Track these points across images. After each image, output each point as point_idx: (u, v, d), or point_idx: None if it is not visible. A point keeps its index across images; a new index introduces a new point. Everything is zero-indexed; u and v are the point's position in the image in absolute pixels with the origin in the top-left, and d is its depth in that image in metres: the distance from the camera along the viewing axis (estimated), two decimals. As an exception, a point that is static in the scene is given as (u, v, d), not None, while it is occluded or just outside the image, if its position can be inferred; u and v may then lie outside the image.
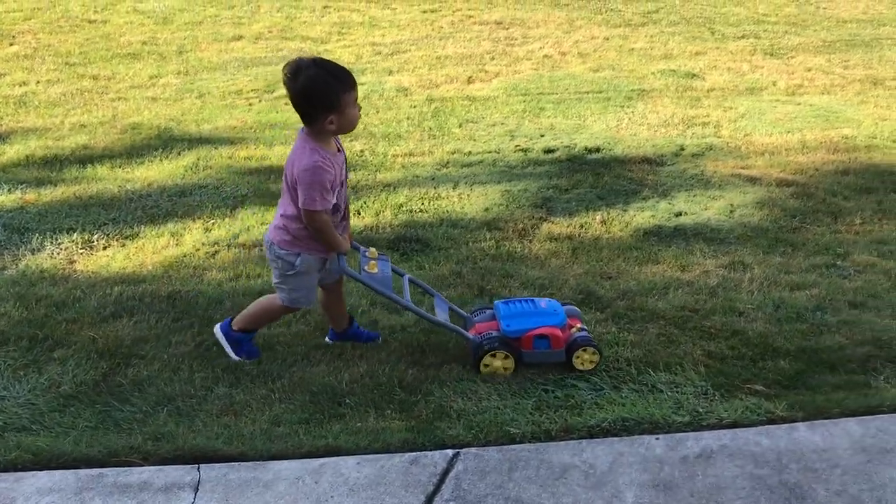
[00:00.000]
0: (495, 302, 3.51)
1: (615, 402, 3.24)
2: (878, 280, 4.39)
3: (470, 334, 3.38)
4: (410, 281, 3.55)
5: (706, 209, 5.30)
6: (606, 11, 11.17)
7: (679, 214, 5.20)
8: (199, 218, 4.93)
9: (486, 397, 3.24)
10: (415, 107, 7.15)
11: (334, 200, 3.05)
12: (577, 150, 6.24)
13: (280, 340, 3.60)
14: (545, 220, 5.04)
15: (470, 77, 8.11)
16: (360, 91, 7.22)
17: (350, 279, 3.33)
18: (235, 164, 5.79)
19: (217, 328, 3.40)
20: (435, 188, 5.43)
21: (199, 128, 6.55)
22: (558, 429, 3.03)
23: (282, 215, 3.08)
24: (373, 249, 3.36)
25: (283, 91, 6.91)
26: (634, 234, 4.91)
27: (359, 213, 5.04)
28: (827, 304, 4.12)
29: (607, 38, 9.73)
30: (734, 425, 3.09)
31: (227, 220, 4.92)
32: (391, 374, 3.36)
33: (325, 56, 9.19)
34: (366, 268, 3.22)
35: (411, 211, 5.10)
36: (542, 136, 6.53)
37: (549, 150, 6.22)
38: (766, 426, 3.06)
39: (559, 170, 5.84)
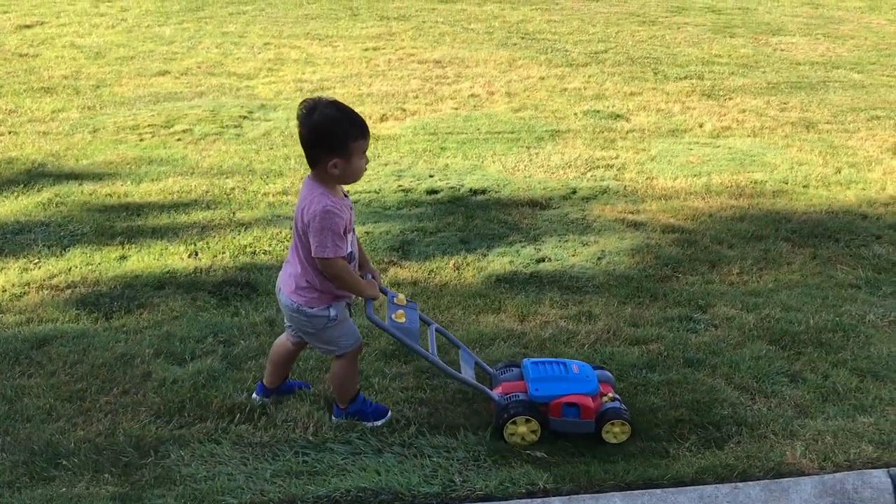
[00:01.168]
0: (524, 361, 3.33)
1: (367, 468, 2.97)
2: (729, 335, 4.12)
3: (496, 395, 3.19)
4: (437, 331, 3.37)
5: (574, 255, 5.06)
6: (552, 51, 11.04)
7: (541, 261, 4.96)
8: (23, 257, 4.73)
9: (225, 461, 2.98)
10: (312, 144, 6.97)
11: (349, 248, 2.94)
12: (461, 191, 6.03)
13: (31, 392, 3.36)
14: (395, 265, 4.81)
15: (384, 115, 7.95)
16: (264, 128, 7.08)
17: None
18: (93, 201, 5.61)
19: (334, 418, 3.26)
20: (290, 228, 5.21)
21: (76, 163, 6.39)
22: (281, 499, 2.75)
23: (298, 273, 2.96)
24: (401, 296, 3.17)
25: (179, 126, 6.77)
26: (486, 281, 4.67)
27: (196, 255, 4.82)
28: (660, 361, 3.85)
29: (542, 78, 9.58)
30: (486, 498, 2.81)
31: (52, 259, 4.72)
32: (132, 431, 3.11)
33: (243, 91, 9.21)
34: (392, 316, 3.04)
35: (254, 253, 4.89)
36: (431, 176, 6.32)
37: (432, 191, 6.01)
38: (518, 500, 2.78)
39: (434, 212, 5.63)
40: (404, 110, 8.15)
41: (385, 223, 5.37)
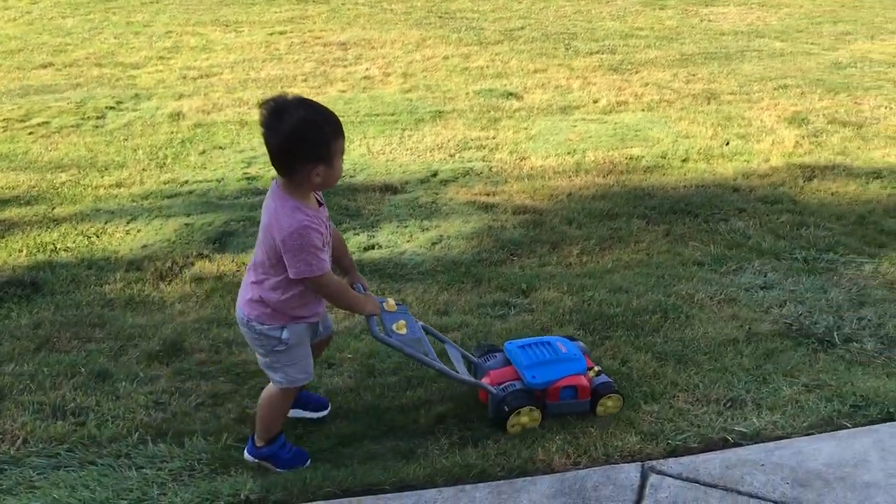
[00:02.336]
0: (506, 345, 3.22)
1: (60, 483, 2.73)
2: (539, 320, 3.90)
3: (493, 388, 3.03)
4: (423, 328, 3.11)
5: (409, 241, 4.82)
6: (466, 30, 10.78)
7: (371, 248, 4.72)
8: None
9: None
10: (172, 133, 6.71)
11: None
12: (312, 177, 5.76)
13: None
14: (206, 258, 4.56)
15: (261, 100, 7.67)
16: (128, 118, 6.77)
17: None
18: None
19: (247, 455, 2.88)
20: (106, 223, 4.96)
21: None
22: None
23: (254, 283, 2.64)
24: (391, 301, 2.98)
25: (37, 119, 6.45)
26: (301, 272, 4.41)
27: (-10, 254, 4.57)
28: (451, 351, 3.60)
29: (447, 58, 9.32)
30: (176, 513, 2.57)
31: None
32: None
33: (123, 81, 8.86)
34: (394, 328, 2.85)
35: (54, 250, 4.63)
36: (285, 162, 6.06)
37: (280, 178, 5.75)
38: (208, 514, 2.54)
39: (273, 200, 5.37)
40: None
41: (212, 213, 5.12)
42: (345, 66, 8.98)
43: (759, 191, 5.56)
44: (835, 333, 3.76)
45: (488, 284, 4.30)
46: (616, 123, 6.99)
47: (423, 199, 5.43)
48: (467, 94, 7.89)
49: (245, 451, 2.90)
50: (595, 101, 7.66)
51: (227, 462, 2.87)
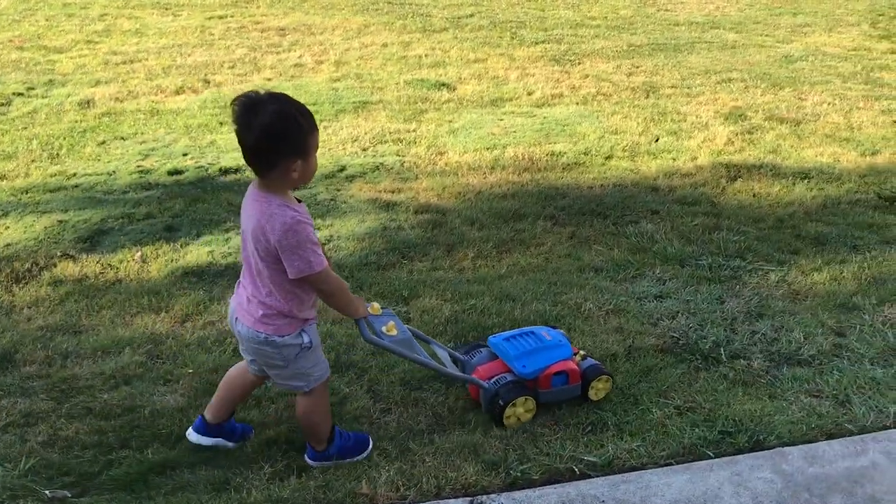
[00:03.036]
0: (490, 339, 3.18)
1: None
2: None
3: (485, 382, 3.01)
4: (409, 331, 3.01)
5: (295, 242, 4.55)
6: (414, 17, 10.50)
7: (251, 249, 4.44)
8: None
9: None
10: (76, 122, 6.42)
11: None
12: (210, 171, 5.51)
13: None
14: (70, 259, 4.29)
15: (181, 88, 7.39)
16: (34, 105, 6.45)
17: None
18: None
19: (311, 462, 2.81)
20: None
21: None
22: None
23: (262, 298, 2.52)
24: (375, 305, 2.86)
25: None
26: (171, 276, 4.16)
27: None
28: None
29: (385, 45, 9.05)
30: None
31: None
32: None
33: (42, 66, 8.47)
34: (384, 330, 2.78)
35: None
36: (186, 154, 5.80)
37: (176, 172, 5.49)
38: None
39: (162, 194, 5.11)
40: (208, 82, 7.60)
41: (91, 210, 4.85)
42: (277, 53, 8.69)
43: (679, 191, 5.33)
44: (722, 349, 3.54)
45: (368, 290, 4.06)
46: (545, 117, 6.75)
47: (321, 196, 5.18)
48: (398, 83, 7.62)
49: (307, 458, 2.81)
50: (529, 94, 7.42)
51: (18, 492, 2.61)
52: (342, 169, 5.63)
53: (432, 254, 4.49)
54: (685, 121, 6.71)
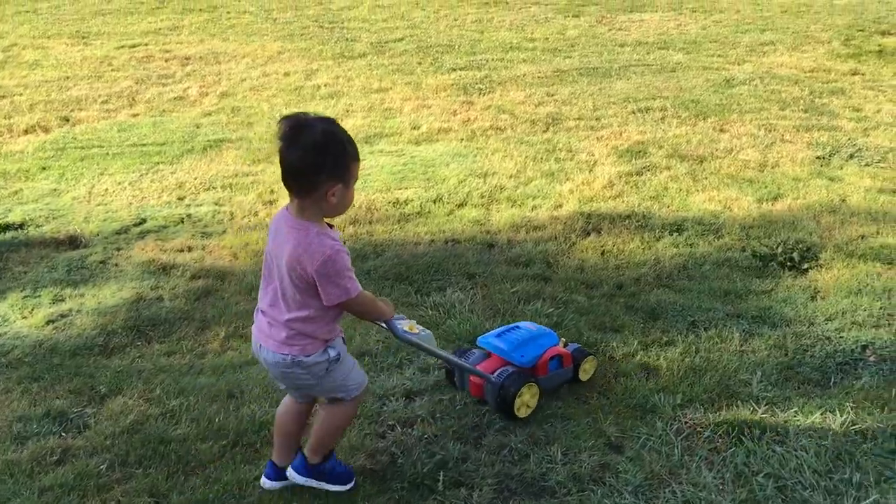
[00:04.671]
0: (479, 340, 3.29)
1: None
2: (76, 448, 3.00)
3: (491, 376, 3.10)
4: None
5: (25, 316, 4.02)
6: (338, 41, 9.93)
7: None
8: None
9: None
10: None
11: None
12: (-8, 227, 4.95)
13: None
14: None
15: (33, 126, 6.91)
16: None
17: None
18: None
19: (297, 477, 2.76)
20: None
21: None
22: None
23: (289, 320, 2.50)
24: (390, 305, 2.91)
25: None
26: None
27: None
28: None
29: (287, 74, 8.49)
30: None
31: None
32: None
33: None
34: (406, 328, 2.82)
35: None
36: (-23, 206, 5.25)
37: (-50, 226, 4.93)
38: None
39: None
40: (67, 120, 7.10)
41: None
42: (164, 85, 8.17)
43: (517, 248, 4.63)
44: (442, 473, 2.83)
45: (59, 385, 3.42)
46: (413, 157, 6.09)
47: (93, 258, 4.58)
48: (273, 118, 7.03)
49: (292, 472, 2.76)
50: (415, 128, 6.78)
51: None
52: (141, 222, 5.05)
53: (178, 333, 3.86)
54: (572, 159, 6.00)
